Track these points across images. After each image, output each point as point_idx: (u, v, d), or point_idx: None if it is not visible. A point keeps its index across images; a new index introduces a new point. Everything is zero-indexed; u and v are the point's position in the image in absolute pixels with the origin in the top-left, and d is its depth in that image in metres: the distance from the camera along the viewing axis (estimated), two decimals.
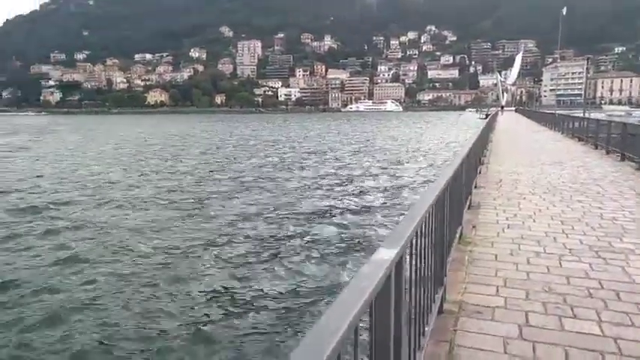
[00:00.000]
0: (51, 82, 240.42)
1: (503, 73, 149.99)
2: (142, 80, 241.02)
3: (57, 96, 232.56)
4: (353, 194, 16.32)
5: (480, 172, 9.79)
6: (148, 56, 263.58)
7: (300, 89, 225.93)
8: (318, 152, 33.06)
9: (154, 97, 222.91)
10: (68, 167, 25.16)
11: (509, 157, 13.57)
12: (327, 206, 14.31)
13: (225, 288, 8.01)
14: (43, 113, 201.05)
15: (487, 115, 39.36)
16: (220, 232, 11.52)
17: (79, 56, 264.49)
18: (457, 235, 4.91)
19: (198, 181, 19.94)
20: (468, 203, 6.53)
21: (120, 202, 15.56)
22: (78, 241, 10.89)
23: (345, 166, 24.73)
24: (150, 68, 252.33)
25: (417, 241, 2.29)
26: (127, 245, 10.53)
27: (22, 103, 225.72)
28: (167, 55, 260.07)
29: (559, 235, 5.45)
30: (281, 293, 7.71)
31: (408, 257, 2.03)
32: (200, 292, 7.89)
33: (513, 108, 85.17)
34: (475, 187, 8.10)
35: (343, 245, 10.29)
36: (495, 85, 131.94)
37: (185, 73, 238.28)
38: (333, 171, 22.59)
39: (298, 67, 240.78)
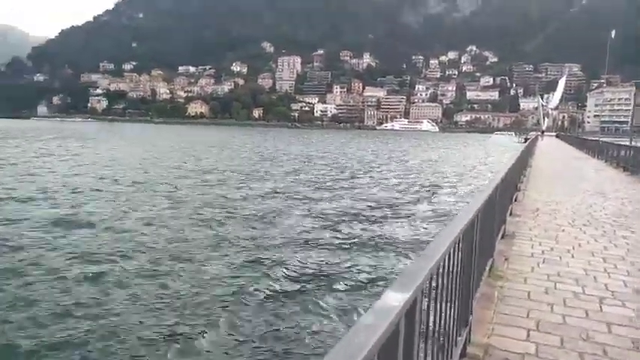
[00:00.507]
0: (99, 91, 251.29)
1: (545, 96, 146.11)
2: (184, 92, 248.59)
3: (103, 104, 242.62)
4: (378, 221, 15.30)
5: (516, 199, 9.33)
6: (191, 69, 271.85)
7: (337, 106, 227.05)
8: (348, 171, 32.84)
9: (195, 108, 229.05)
10: (110, 174, 25.85)
11: (548, 184, 12.97)
12: (348, 234, 13.26)
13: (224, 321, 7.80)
14: (89, 120, 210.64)
15: (526, 140, 38.22)
16: (243, 256, 11.40)
17: (127, 66, 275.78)
18: (487, 268, 4.59)
19: (227, 197, 20.00)
20: (501, 232, 6.16)
21: (153, 211, 15.78)
22: (109, 250, 11.04)
23: (376, 187, 24.30)
24: (192, 80, 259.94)
25: (437, 278, 1.99)
26: (157, 258, 10.57)
27: (70, 110, 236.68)
28: (209, 69, 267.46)
29: (600, 274, 5.02)
30: (278, 334, 6.88)
31: (425, 299, 1.72)
32: (205, 316, 7.76)
33: (554, 133, 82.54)
34: (510, 214, 7.69)
35: (359, 282, 9.06)
36: (536, 108, 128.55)
37: (226, 87, 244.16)
38: (362, 193, 22.13)
39: (336, 83, 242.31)
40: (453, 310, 2.61)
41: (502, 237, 6.27)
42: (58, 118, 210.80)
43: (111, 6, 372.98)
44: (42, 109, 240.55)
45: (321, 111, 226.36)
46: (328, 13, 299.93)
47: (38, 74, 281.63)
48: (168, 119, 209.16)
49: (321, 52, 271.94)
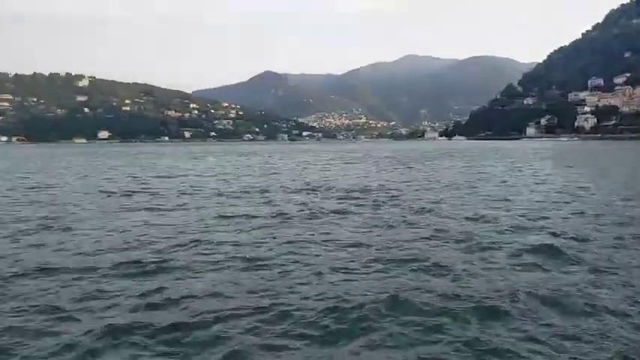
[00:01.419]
0: (586, 109, 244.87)
1: None
2: None
3: (591, 121, 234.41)
4: None
5: None
6: None
7: None
8: None
9: None
10: None
11: None
12: None
13: None
14: (575, 138, 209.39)
15: None
16: None
17: (618, 80, 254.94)
18: None
19: None
20: None
21: None
22: None
23: None
24: None
25: None
26: None
27: (557, 130, 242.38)
28: None
29: None
30: None
31: None
32: None
33: None
34: None
35: None
36: None
37: None
38: None
39: None
40: None
41: None
42: (544, 138, 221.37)
43: (600, 19, 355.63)
44: (530, 130, 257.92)
45: None
46: None
47: (527, 98, 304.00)
48: None
49: None
